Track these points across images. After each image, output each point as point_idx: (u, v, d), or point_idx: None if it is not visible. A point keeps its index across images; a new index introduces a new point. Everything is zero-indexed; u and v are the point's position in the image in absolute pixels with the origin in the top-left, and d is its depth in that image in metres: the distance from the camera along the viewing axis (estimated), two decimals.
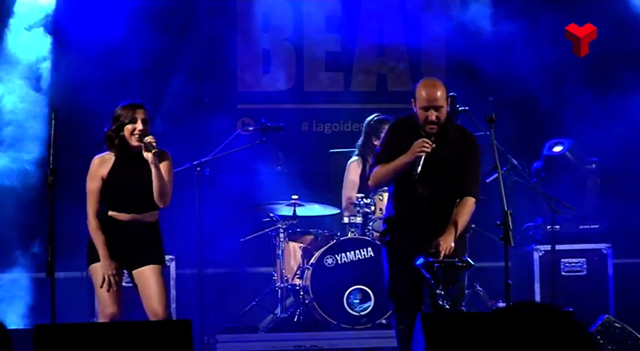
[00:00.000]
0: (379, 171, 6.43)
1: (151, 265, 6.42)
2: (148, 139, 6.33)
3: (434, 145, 6.28)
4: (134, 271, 6.45)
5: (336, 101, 10.04)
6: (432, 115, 6.31)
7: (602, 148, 9.26)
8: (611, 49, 9.49)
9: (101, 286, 6.36)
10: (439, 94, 6.32)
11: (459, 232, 6.33)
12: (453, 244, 6.26)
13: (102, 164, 6.46)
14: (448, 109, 6.41)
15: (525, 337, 5.31)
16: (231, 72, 9.87)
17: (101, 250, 6.38)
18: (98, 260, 6.38)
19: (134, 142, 6.38)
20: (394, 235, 6.49)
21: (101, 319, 6.42)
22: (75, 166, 8.22)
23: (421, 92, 6.34)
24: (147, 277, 6.41)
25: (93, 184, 6.45)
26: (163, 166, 6.44)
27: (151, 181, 6.37)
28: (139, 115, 6.39)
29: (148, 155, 6.34)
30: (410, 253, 6.30)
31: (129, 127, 6.38)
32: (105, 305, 6.39)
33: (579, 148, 9.02)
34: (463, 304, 6.77)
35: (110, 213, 6.45)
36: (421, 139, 6.28)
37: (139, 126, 6.37)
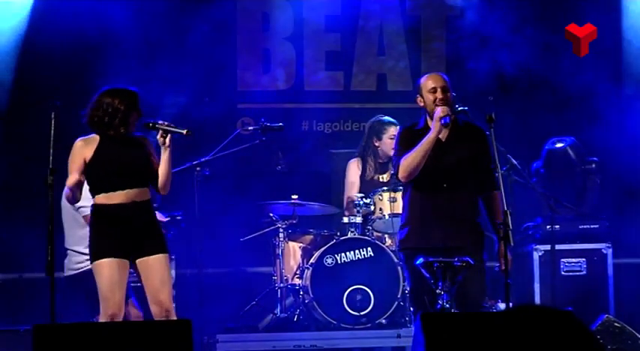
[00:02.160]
0: (407, 159, 6.49)
1: (155, 255, 6.40)
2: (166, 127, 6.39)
3: (452, 114, 6.46)
4: (137, 261, 6.40)
5: (336, 101, 10.04)
6: (439, 93, 6.53)
7: (602, 148, 9.26)
8: (610, 48, 9.50)
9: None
10: (443, 78, 6.62)
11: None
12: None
13: (86, 146, 6.46)
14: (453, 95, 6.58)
15: (526, 338, 5.32)
16: (231, 71, 9.88)
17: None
18: (102, 257, 6.35)
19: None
20: (416, 238, 6.53)
21: (102, 319, 6.38)
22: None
23: (425, 80, 6.63)
24: (151, 266, 6.38)
25: (73, 166, 6.41)
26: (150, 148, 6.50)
27: (139, 157, 6.41)
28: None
29: (164, 140, 6.40)
30: (433, 252, 6.38)
31: (135, 114, 6.48)
32: (107, 305, 6.36)
33: (580, 147, 9.02)
34: (486, 302, 6.80)
35: (101, 201, 6.39)
36: (440, 107, 6.47)
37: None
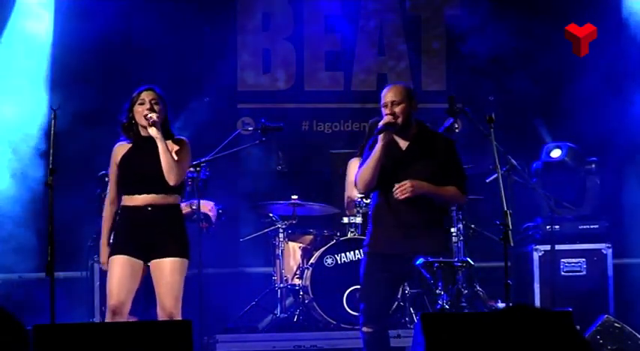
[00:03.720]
0: (360, 172, 6.53)
1: (170, 258, 6.36)
2: (148, 113, 6.36)
3: (394, 120, 6.41)
4: (152, 262, 6.39)
5: (336, 101, 10.04)
6: (389, 110, 6.46)
7: (601, 148, 9.27)
8: (610, 48, 9.50)
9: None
10: (394, 90, 6.51)
11: (432, 190, 6.40)
12: (418, 190, 6.34)
13: (119, 150, 6.50)
14: (411, 108, 6.51)
15: (525, 338, 5.32)
16: (232, 71, 9.88)
17: (104, 238, 6.43)
18: (117, 253, 6.35)
19: (144, 122, 6.41)
20: (372, 240, 6.55)
21: (107, 315, 6.38)
22: (74, 166, 8.26)
23: (382, 95, 6.55)
24: (162, 270, 6.36)
25: (111, 170, 6.51)
26: (177, 148, 6.45)
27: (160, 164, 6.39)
28: (147, 96, 6.44)
29: (152, 130, 6.36)
30: (386, 256, 6.41)
31: (138, 109, 6.43)
32: (110, 296, 6.35)
33: (577, 151, 9.01)
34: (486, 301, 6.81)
35: (125, 202, 6.42)
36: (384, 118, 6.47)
37: (147, 105, 6.42)
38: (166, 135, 6.47)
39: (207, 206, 7.85)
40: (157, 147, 6.38)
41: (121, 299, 6.34)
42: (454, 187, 6.48)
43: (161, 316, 6.38)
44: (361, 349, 6.60)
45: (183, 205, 7.41)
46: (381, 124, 6.44)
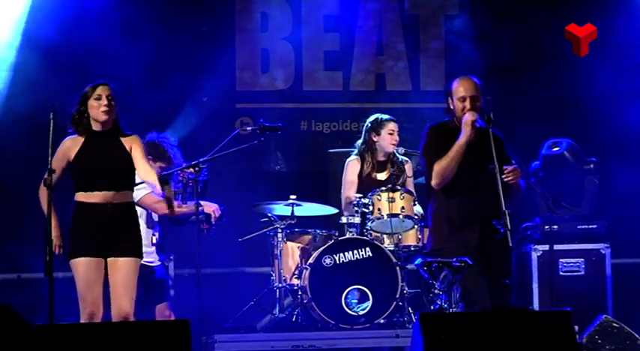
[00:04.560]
0: (441, 163, 6.55)
1: (125, 258, 6.41)
2: (168, 193, 6.39)
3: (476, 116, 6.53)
4: (108, 259, 6.42)
5: (335, 101, 10.04)
6: (468, 104, 6.59)
7: (600, 148, 9.27)
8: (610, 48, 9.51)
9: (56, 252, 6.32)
10: (474, 84, 6.69)
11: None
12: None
13: (71, 144, 6.48)
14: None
15: (524, 338, 5.33)
16: (230, 71, 9.87)
17: (56, 228, 6.36)
18: (78, 255, 6.37)
19: (101, 116, 6.44)
20: (454, 241, 6.55)
21: (83, 318, 6.39)
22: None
23: (458, 85, 6.68)
24: (118, 268, 6.40)
25: (56, 162, 6.40)
26: (136, 148, 6.48)
27: (121, 158, 6.43)
28: (102, 91, 6.48)
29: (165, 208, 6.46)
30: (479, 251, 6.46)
31: (93, 103, 6.45)
32: (85, 303, 6.39)
33: (577, 148, 9.02)
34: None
35: (80, 198, 6.42)
36: (468, 112, 6.54)
37: (104, 101, 6.44)
38: (118, 132, 6.48)
39: (210, 207, 7.85)
40: (111, 142, 6.45)
41: (96, 303, 6.39)
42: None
43: (116, 314, 6.40)
44: (368, 349, 6.59)
45: (184, 206, 7.45)
46: (469, 118, 6.51)
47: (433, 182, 6.67)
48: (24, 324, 3.75)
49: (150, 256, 7.71)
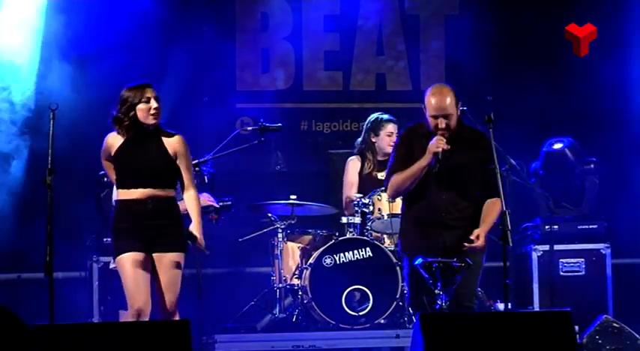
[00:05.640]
0: (397, 179, 6.46)
1: (172, 253, 6.37)
2: (199, 240, 6.43)
3: (448, 146, 6.31)
4: (154, 255, 6.37)
5: (335, 100, 10.04)
6: (442, 123, 6.35)
7: (600, 148, 9.27)
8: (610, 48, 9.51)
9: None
10: (448, 101, 6.35)
11: (488, 229, 6.39)
12: (484, 243, 6.33)
13: (113, 141, 6.45)
14: (459, 113, 6.43)
15: (524, 339, 5.33)
16: (230, 71, 9.88)
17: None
18: (124, 251, 6.32)
19: (150, 121, 6.39)
20: (411, 240, 6.51)
21: (129, 314, 6.34)
22: (74, 166, 8.26)
23: (430, 100, 6.38)
24: (164, 264, 6.36)
25: (104, 160, 6.50)
26: (180, 150, 6.46)
27: (161, 157, 6.38)
28: (151, 93, 6.41)
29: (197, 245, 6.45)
30: (433, 248, 6.37)
31: (142, 106, 6.38)
32: (134, 300, 6.33)
33: (578, 148, 9.02)
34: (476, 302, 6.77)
35: (122, 196, 6.40)
36: (436, 137, 6.33)
37: (154, 104, 6.39)
38: (159, 130, 6.45)
39: (205, 199, 7.86)
40: (153, 140, 6.39)
41: (144, 299, 6.32)
42: (497, 204, 6.37)
43: (163, 309, 6.38)
44: (368, 349, 6.60)
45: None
46: (433, 147, 6.28)
47: (387, 192, 6.67)
48: (22, 325, 3.75)
49: None
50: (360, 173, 8.56)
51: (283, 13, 9.92)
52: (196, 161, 7.88)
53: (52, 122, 6.33)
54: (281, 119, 8.85)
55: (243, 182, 9.32)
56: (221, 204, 7.94)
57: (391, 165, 6.57)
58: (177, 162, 6.45)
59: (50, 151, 6.30)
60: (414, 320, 6.44)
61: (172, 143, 6.46)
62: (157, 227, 6.36)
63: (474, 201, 6.45)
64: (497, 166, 6.43)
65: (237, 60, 9.91)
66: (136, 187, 6.37)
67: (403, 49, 10.09)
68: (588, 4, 9.50)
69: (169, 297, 6.37)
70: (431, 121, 6.38)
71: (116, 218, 6.43)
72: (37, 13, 9.03)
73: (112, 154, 6.43)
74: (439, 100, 6.35)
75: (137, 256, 6.32)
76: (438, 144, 6.31)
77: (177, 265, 6.39)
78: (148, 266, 6.37)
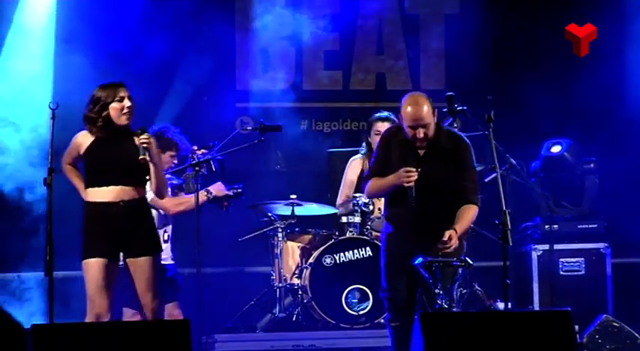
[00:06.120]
0: (372, 185, 6.52)
1: (145, 257, 6.40)
2: (145, 141, 6.34)
3: (417, 173, 6.26)
4: (128, 260, 6.41)
5: (335, 100, 10.04)
6: (420, 133, 6.32)
7: (600, 148, 9.27)
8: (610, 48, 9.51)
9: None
10: (425, 111, 6.30)
11: (461, 233, 6.35)
12: (457, 243, 6.29)
13: (83, 140, 6.46)
14: (435, 120, 6.38)
15: (523, 338, 5.32)
16: (230, 71, 9.87)
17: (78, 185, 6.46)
18: (91, 256, 6.34)
19: (123, 120, 6.41)
20: (390, 233, 6.51)
21: (88, 319, 6.36)
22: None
23: (406, 110, 6.34)
24: (139, 267, 6.38)
25: (69, 155, 6.50)
26: (157, 154, 6.50)
27: (132, 155, 6.37)
28: (124, 92, 6.43)
29: (144, 158, 6.36)
30: (405, 251, 6.34)
31: (115, 105, 6.40)
32: (93, 305, 6.37)
33: (577, 149, 9.02)
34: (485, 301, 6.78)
35: (90, 196, 6.39)
36: (403, 170, 6.29)
37: (127, 103, 6.41)
38: (130, 129, 6.46)
39: (219, 189, 7.87)
40: (123, 138, 6.40)
41: (104, 305, 6.36)
42: (472, 209, 6.39)
43: (145, 313, 6.41)
44: (368, 349, 6.60)
45: (186, 197, 7.50)
46: (404, 182, 6.25)
47: (364, 193, 6.77)
48: (14, 324, 3.74)
49: (162, 253, 7.72)
50: (361, 174, 8.56)
51: (283, 12, 9.91)
52: (196, 161, 7.86)
53: (52, 122, 6.33)
54: (281, 119, 8.84)
55: (243, 182, 9.31)
56: (233, 192, 7.95)
57: (370, 166, 6.61)
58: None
59: (50, 150, 6.31)
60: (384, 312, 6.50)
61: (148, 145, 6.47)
62: (129, 231, 6.38)
63: (451, 208, 6.42)
64: (497, 165, 6.44)
65: (237, 59, 9.91)
66: (107, 185, 6.37)
67: (403, 49, 10.09)
68: (588, 4, 9.51)
69: (149, 299, 6.40)
70: (408, 131, 6.33)
71: (86, 221, 6.43)
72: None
73: (82, 152, 6.43)
74: (416, 110, 6.31)
75: (103, 262, 6.35)
76: (407, 177, 6.27)
77: (152, 267, 6.43)
78: (113, 272, 6.41)
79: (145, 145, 6.35)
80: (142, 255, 6.40)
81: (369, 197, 6.83)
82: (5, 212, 8.95)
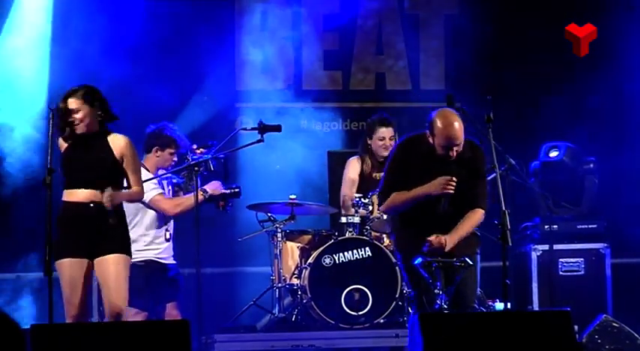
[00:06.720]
0: (396, 199, 6.50)
1: (113, 255, 6.36)
2: (107, 201, 6.34)
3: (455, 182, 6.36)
4: (96, 260, 6.37)
5: (335, 100, 10.03)
6: (454, 153, 6.39)
7: (600, 148, 9.27)
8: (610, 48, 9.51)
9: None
10: (459, 131, 6.37)
11: (462, 236, 6.39)
12: (452, 245, 6.29)
13: (62, 143, 6.51)
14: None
15: (523, 338, 5.33)
16: (230, 70, 9.87)
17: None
18: (64, 256, 6.33)
19: (79, 130, 6.43)
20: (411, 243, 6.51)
21: (67, 320, 6.34)
22: None
23: (440, 130, 6.36)
24: (106, 265, 6.34)
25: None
26: (127, 154, 6.48)
27: (105, 158, 6.41)
28: (71, 104, 6.42)
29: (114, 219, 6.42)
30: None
31: (67, 118, 6.41)
32: (69, 307, 6.34)
33: (575, 151, 9.01)
34: (476, 302, 6.78)
35: (65, 197, 6.40)
36: (444, 178, 6.35)
37: (76, 115, 6.40)
38: (105, 131, 6.48)
39: (216, 187, 7.87)
40: (97, 140, 6.43)
41: (79, 305, 6.33)
42: (479, 213, 6.46)
43: (108, 313, 6.36)
44: (368, 349, 6.60)
45: (184, 197, 7.50)
46: (445, 190, 6.34)
47: (381, 208, 6.73)
48: (13, 325, 3.74)
49: (164, 253, 7.72)
50: (361, 174, 8.56)
51: (283, 12, 9.91)
52: (195, 161, 7.86)
53: (51, 122, 6.34)
54: (281, 119, 8.84)
55: (243, 182, 9.31)
56: (230, 190, 7.95)
57: (385, 179, 6.61)
58: (124, 164, 6.47)
59: (50, 150, 6.31)
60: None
61: (118, 145, 6.48)
62: (99, 231, 6.36)
63: (465, 212, 6.49)
64: (497, 166, 6.44)
65: (237, 59, 9.91)
66: (79, 188, 6.38)
67: (403, 49, 10.09)
68: (588, 4, 9.51)
69: (116, 297, 6.33)
70: (440, 149, 6.38)
71: (60, 219, 6.43)
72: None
73: (62, 155, 6.49)
74: (453, 132, 6.36)
75: (76, 262, 6.34)
76: (448, 185, 6.35)
77: (120, 266, 6.37)
78: (87, 272, 6.37)
79: (108, 206, 6.36)
80: (109, 253, 6.35)
81: (387, 212, 6.73)
82: (5, 212, 8.95)
